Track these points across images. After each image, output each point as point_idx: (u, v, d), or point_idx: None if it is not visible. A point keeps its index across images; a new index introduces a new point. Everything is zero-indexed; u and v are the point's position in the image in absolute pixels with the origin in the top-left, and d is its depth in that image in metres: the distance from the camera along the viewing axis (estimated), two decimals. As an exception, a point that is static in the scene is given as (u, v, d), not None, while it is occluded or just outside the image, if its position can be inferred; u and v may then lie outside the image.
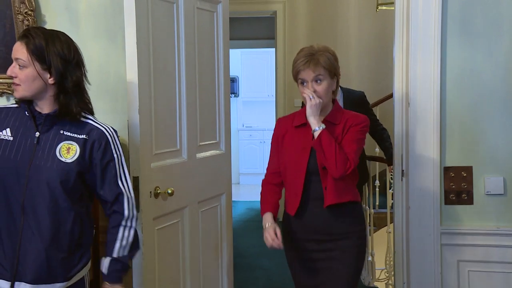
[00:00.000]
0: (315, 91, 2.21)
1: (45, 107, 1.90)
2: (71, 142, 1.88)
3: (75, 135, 1.90)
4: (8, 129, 1.89)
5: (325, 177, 2.25)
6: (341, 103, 3.55)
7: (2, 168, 1.85)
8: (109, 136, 1.95)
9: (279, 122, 2.45)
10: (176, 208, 2.59)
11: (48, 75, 1.88)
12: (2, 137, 1.88)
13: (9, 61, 2.67)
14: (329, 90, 2.26)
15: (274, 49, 6.32)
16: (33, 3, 2.73)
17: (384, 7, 4.60)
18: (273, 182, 2.42)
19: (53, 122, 1.90)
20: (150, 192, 2.39)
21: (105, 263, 1.93)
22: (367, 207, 4.27)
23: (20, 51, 1.84)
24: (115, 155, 1.95)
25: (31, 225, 1.84)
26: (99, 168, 1.91)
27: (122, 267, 1.94)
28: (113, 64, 2.79)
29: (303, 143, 2.29)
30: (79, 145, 1.89)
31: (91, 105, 2.01)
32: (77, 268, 1.94)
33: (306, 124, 2.29)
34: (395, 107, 2.71)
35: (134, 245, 1.98)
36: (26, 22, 2.72)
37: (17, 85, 1.86)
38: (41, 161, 1.85)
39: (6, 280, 1.85)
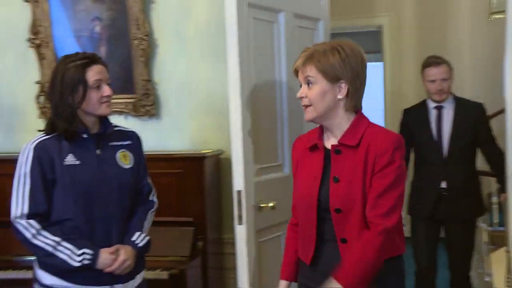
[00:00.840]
0: (306, 96, 1.73)
1: (94, 127, 2.04)
2: (123, 150, 2.08)
3: (122, 143, 2.09)
4: (71, 154, 1.98)
5: (340, 223, 1.71)
6: (451, 114, 3.21)
7: (83, 188, 1.98)
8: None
9: (295, 143, 1.92)
10: (278, 222, 2.62)
11: None
12: (69, 163, 1.97)
13: (127, 83, 2.91)
14: (325, 97, 1.70)
15: (379, 62, 6.20)
16: (147, 29, 2.94)
17: (497, 16, 4.34)
18: (293, 222, 1.94)
19: (103, 138, 2.05)
20: (253, 205, 2.44)
21: (139, 236, 2.08)
22: (482, 224, 4.01)
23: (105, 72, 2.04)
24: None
25: (118, 232, 2.03)
26: (141, 161, 2.14)
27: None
28: (218, 82, 2.92)
29: (315, 170, 1.77)
30: (129, 150, 2.10)
31: None
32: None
33: (318, 147, 1.78)
34: (507, 119, 2.55)
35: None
36: (141, 46, 2.94)
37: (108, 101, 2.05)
38: (110, 173, 2.03)
39: (106, 285, 2.01)
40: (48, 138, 1.98)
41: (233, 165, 2.41)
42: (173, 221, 2.83)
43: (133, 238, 2.05)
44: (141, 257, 2.11)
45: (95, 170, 2.00)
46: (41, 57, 3.00)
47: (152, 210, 2.18)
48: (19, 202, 1.94)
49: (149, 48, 2.95)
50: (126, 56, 2.95)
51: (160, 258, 2.68)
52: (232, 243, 2.49)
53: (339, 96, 1.71)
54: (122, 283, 2.02)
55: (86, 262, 1.94)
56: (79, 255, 1.93)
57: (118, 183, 2.03)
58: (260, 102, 2.52)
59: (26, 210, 1.94)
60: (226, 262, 3.01)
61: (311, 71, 1.69)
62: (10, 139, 3.04)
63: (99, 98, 1.98)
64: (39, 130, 2.01)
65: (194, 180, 2.88)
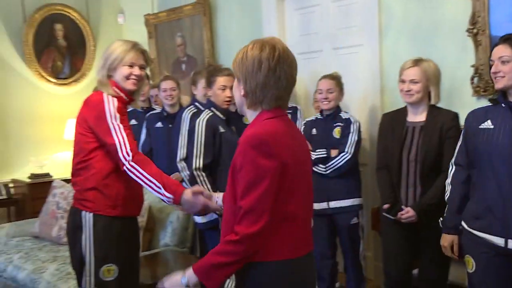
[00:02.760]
0: None
1: None
2: None
3: None
4: (489, 120, 2.26)
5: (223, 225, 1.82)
6: None
7: (489, 152, 2.22)
8: None
9: None
10: None
11: None
12: (484, 126, 2.27)
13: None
14: (235, 93, 1.82)
15: None
16: None
17: None
18: None
19: None
20: None
21: None
22: None
23: (503, 50, 2.19)
24: None
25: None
26: None
27: None
28: None
29: None
30: None
31: None
32: None
33: None
34: None
35: None
36: None
37: (501, 77, 2.21)
38: (506, 141, 2.15)
39: (499, 236, 2.18)
40: (481, 108, 2.39)
41: None
42: None
43: None
44: None
45: (502, 136, 2.21)
46: (477, 44, 3.33)
47: None
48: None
49: None
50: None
51: None
52: None
53: (241, 93, 1.78)
54: None
55: None
56: None
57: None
58: None
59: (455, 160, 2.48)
60: None
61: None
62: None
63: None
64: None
65: None
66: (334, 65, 4.17)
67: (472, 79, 3.36)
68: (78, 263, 2.33)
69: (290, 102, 4.28)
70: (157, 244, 3.65)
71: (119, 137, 2.26)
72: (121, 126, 2.28)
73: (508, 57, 2.20)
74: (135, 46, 2.41)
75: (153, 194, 2.26)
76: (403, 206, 2.85)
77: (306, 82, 4.55)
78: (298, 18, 4.64)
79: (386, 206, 2.89)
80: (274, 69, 1.69)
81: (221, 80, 3.28)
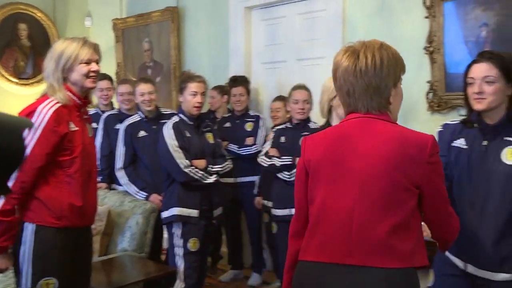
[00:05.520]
0: None
1: (493, 117, 2.00)
2: None
3: None
4: (462, 139, 2.07)
5: None
6: None
7: (460, 170, 2.03)
8: None
9: None
10: None
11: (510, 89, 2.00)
12: (456, 145, 2.08)
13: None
14: None
15: None
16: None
17: None
18: None
19: (498, 130, 1.99)
20: None
21: None
22: None
23: (488, 69, 1.99)
24: None
25: (478, 218, 1.99)
26: None
27: None
28: None
29: None
30: None
31: None
32: None
33: None
34: None
35: None
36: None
37: (483, 99, 1.98)
38: (489, 166, 1.97)
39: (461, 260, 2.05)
40: (455, 123, 2.14)
41: None
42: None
43: None
44: None
45: (474, 157, 2.01)
46: (432, 61, 3.40)
47: None
48: None
49: None
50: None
51: None
52: None
53: None
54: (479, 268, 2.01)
55: None
56: None
57: (491, 173, 1.95)
58: None
59: None
60: None
61: None
62: (407, 129, 3.51)
63: None
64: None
65: None
66: (298, 76, 4.17)
67: (427, 94, 3.43)
68: (16, 274, 2.17)
69: (253, 110, 4.37)
70: (115, 249, 3.54)
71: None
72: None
73: (493, 77, 1.98)
74: (86, 42, 2.23)
75: None
76: None
77: (270, 92, 4.54)
78: (264, 28, 4.64)
79: None
80: (334, 74, 1.68)
81: (192, 86, 3.27)
